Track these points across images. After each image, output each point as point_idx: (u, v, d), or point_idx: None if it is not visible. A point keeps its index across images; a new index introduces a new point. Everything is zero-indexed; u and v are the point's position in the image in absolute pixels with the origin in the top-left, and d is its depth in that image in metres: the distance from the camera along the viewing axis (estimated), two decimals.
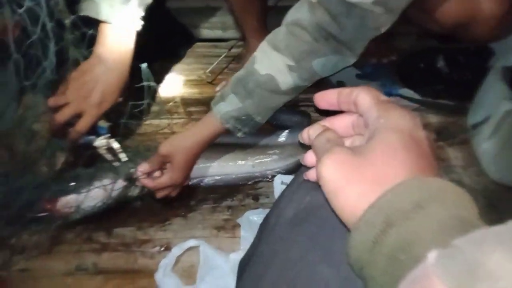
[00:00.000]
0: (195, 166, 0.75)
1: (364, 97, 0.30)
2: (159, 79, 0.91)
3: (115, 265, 0.73)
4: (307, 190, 0.38)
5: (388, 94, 0.94)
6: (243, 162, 0.85)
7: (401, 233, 0.22)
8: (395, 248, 0.22)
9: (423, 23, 0.91)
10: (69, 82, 0.71)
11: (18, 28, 0.65)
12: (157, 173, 0.73)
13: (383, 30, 0.60)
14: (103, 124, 0.76)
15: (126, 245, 0.75)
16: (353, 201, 0.25)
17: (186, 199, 0.82)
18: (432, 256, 0.19)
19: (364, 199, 0.24)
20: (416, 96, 0.94)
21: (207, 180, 0.85)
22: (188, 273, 0.70)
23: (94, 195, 0.72)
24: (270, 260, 0.37)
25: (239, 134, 0.70)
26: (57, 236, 0.75)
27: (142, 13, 0.72)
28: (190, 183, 0.81)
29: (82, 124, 0.72)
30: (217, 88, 1.07)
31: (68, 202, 0.71)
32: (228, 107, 0.67)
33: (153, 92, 0.81)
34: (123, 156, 0.76)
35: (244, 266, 0.51)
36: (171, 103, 1.04)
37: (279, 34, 0.64)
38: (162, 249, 0.74)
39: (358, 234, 0.24)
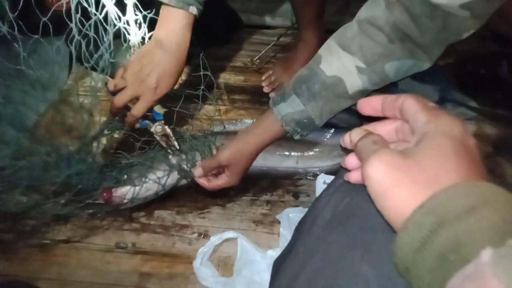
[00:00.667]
0: None
1: (411, 102, 0.30)
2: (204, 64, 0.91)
3: (153, 247, 0.74)
4: (346, 192, 0.38)
5: (444, 99, 0.89)
6: (287, 156, 0.84)
7: (452, 234, 0.23)
8: (445, 248, 0.22)
9: (495, 25, 0.85)
10: (128, 65, 0.71)
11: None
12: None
13: (465, 36, 0.55)
14: (159, 110, 0.76)
15: (165, 228, 0.77)
16: (403, 203, 0.25)
17: (225, 189, 0.81)
18: (486, 254, 0.20)
19: (415, 201, 0.25)
20: (474, 104, 0.89)
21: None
22: (224, 263, 0.71)
23: (148, 186, 0.73)
24: (307, 258, 0.38)
25: (297, 137, 0.68)
26: (99, 212, 0.78)
27: None
28: None
29: (138, 108, 0.72)
30: (263, 77, 1.05)
31: (124, 193, 0.72)
32: (289, 108, 0.64)
33: (208, 79, 0.82)
34: (176, 144, 0.76)
35: (279, 266, 0.51)
36: (215, 89, 1.04)
37: (349, 32, 0.60)
38: (200, 236, 0.75)
39: (406, 233, 0.24)
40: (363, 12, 0.59)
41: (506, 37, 0.96)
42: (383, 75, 0.60)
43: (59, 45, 0.67)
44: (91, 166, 0.70)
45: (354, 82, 0.60)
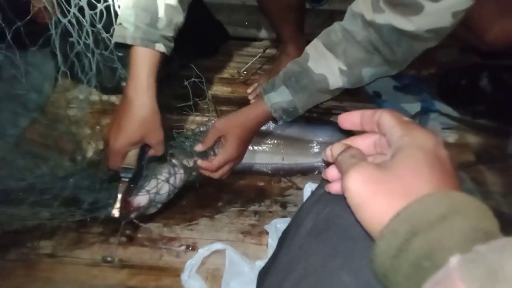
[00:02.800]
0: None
1: (387, 117, 0.31)
2: (191, 75, 0.91)
3: (140, 260, 0.73)
4: (327, 202, 0.38)
5: (426, 109, 0.91)
6: (274, 152, 0.87)
7: (425, 242, 0.24)
8: (419, 255, 0.23)
9: (468, 40, 0.88)
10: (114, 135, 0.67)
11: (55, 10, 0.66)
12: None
13: (426, 48, 0.64)
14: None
15: (152, 241, 0.76)
16: (380, 213, 0.26)
17: (213, 200, 0.82)
18: (454, 260, 0.21)
19: (391, 211, 0.26)
20: (455, 114, 0.91)
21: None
22: (212, 275, 0.71)
23: (160, 190, 0.72)
24: (290, 267, 0.38)
25: (281, 122, 0.77)
26: (85, 226, 0.77)
27: (171, 34, 0.67)
28: None
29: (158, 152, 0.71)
30: (249, 90, 1.06)
31: (141, 201, 0.71)
32: (278, 98, 0.72)
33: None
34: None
35: (263, 276, 0.51)
36: (202, 101, 1.04)
37: (334, 36, 0.67)
38: (188, 248, 0.75)
39: (383, 241, 0.25)
40: (345, 23, 0.66)
41: (486, 50, 0.99)
42: (359, 78, 0.68)
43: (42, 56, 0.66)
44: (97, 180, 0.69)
45: (335, 81, 0.69)
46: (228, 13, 1.24)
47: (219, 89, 1.09)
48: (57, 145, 0.76)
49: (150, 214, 0.75)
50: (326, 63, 0.68)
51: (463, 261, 0.21)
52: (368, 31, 0.63)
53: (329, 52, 0.67)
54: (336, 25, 0.68)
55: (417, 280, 0.23)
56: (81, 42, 0.66)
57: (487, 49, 0.84)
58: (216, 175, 0.76)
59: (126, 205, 0.70)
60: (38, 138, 0.80)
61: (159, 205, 0.74)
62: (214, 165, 0.74)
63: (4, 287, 0.69)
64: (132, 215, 0.72)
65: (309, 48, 0.71)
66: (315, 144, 0.89)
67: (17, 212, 0.63)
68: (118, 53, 0.74)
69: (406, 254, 0.24)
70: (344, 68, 0.67)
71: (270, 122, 0.89)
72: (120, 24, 0.64)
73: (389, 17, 0.59)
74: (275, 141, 0.90)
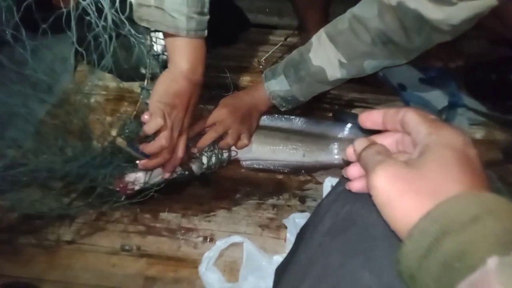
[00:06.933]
0: (247, 148, 0.82)
1: (412, 115, 0.31)
2: (211, 64, 0.90)
3: (158, 250, 0.74)
4: (346, 199, 0.38)
5: (453, 104, 0.88)
6: (294, 149, 0.85)
7: (457, 242, 0.23)
8: (450, 256, 0.23)
9: (497, 28, 0.83)
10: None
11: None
12: None
13: (439, 42, 0.63)
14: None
15: (170, 231, 0.76)
16: (407, 212, 0.26)
17: (231, 192, 0.81)
18: (493, 262, 0.20)
19: (419, 211, 0.25)
20: (484, 109, 0.88)
21: (258, 162, 0.85)
22: (230, 268, 0.70)
23: (157, 172, 0.72)
24: (309, 266, 0.38)
25: (282, 109, 0.80)
26: (104, 213, 0.77)
27: (209, 16, 0.65)
28: (244, 164, 0.85)
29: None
30: None
31: (136, 178, 0.70)
32: (277, 86, 0.75)
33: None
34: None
35: (281, 273, 0.51)
36: (222, 90, 1.03)
37: (340, 25, 0.66)
38: (206, 240, 0.75)
39: (411, 241, 0.25)
40: (356, 10, 0.65)
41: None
42: (360, 70, 0.69)
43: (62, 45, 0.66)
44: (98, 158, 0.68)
45: (334, 73, 0.70)
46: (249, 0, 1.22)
47: (238, 78, 1.07)
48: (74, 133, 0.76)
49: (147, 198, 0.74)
50: (325, 55, 0.68)
51: (502, 264, 0.20)
52: (383, 18, 0.61)
53: (330, 43, 0.67)
54: (347, 13, 0.67)
55: (446, 281, 0.23)
56: (100, 25, 0.64)
57: None
58: (221, 145, 0.78)
59: (120, 182, 0.70)
60: (59, 124, 0.80)
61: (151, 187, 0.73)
62: (217, 131, 0.76)
63: (25, 273, 0.70)
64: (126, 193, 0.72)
65: (314, 37, 0.71)
66: (337, 142, 0.86)
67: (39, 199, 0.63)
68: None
69: (436, 254, 0.24)
70: (343, 60, 0.67)
71: (283, 118, 0.88)
72: (169, 14, 0.60)
73: (420, 3, 0.57)
74: (296, 137, 0.87)
